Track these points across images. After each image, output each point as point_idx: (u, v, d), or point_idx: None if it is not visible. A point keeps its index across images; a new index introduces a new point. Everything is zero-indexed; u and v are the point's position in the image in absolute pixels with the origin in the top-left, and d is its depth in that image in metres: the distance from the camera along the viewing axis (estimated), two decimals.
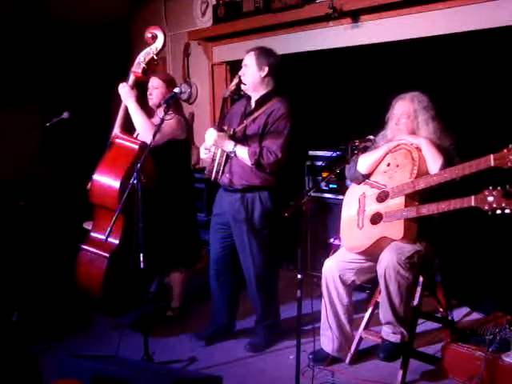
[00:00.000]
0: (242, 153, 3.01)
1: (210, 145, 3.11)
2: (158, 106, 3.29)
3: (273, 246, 3.24)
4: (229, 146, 3.03)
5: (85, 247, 3.38)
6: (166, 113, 3.00)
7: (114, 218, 2.92)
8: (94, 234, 3.42)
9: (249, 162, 3.02)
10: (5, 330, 2.89)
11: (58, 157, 5.08)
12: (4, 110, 5.09)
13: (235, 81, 3.07)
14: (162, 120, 3.01)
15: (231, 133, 3.08)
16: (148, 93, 3.54)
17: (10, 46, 5.13)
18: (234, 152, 3.02)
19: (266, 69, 3.07)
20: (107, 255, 3.29)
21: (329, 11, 3.73)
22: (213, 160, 3.11)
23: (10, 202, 4.07)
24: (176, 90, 3.11)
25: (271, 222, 3.12)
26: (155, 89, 3.51)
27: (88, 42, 5.45)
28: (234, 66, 4.74)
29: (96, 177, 3.33)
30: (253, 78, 3.07)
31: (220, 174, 3.12)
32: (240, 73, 3.09)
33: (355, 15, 3.81)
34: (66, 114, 3.71)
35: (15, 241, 4.14)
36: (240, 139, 3.08)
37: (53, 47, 5.32)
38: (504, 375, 2.62)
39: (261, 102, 3.11)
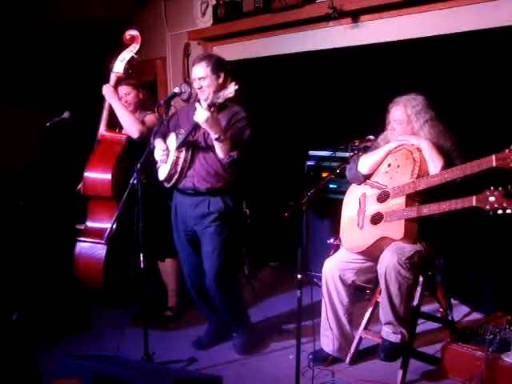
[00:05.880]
0: (226, 143, 2.92)
1: (164, 149, 3.10)
2: (135, 110, 3.62)
3: (233, 247, 3.20)
4: (219, 129, 2.89)
5: (82, 239, 3.44)
6: (166, 113, 3.01)
7: (113, 218, 2.94)
8: (90, 225, 3.48)
9: (223, 154, 2.93)
10: (5, 329, 2.89)
11: (58, 157, 5.08)
12: (4, 110, 5.09)
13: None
14: (162, 119, 3.05)
15: (193, 139, 3.04)
16: (123, 101, 3.60)
17: (10, 46, 5.12)
18: (221, 138, 2.88)
19: (222, 75, 3.04)
20: (105, 242, 3.31)
21: (329, 11, 3.73)
22: (176, 165, 3.04)
23: (10, 202, 4.07)
24: (176, 89, 3.14)
25: (232, 222, 3.11)
26: (128, 95, 3.63)
27: (88, 42, 5.45)
28: (234, 66, 4.73)
29: (88, 171, 3.47)
30: (213, 87, 3.01)
31: (182, 178, 3.07)
32: (196, 85, 3.03)
33: (355, 15, 3.82)
34: (66, 114, 3.75)
35: (15, 241, 4.14)
36: (201, 145, 3.04)
37: (53, 47, 5.31)
38: (504, 375, 2.62)
39: (219, 107, 3.01)
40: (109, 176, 3.39)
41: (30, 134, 4.73)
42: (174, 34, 5.38)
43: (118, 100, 3.51)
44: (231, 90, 2.80)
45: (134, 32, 3.58)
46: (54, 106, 4.13)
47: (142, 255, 2.96)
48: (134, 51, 3.55)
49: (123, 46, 3.66)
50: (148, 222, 3.03)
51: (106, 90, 3.52)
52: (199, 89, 3.03)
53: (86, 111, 4.51)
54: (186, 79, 5.26)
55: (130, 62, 3.55)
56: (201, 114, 2.84)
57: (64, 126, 3.74)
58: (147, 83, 3.75)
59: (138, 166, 2.92)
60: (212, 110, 2.85)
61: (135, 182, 2.92)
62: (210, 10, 4.85)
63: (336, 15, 3.74)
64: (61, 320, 3.57)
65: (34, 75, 5.26)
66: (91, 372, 2.35)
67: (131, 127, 3.42)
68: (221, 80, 3.03)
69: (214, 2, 4.77)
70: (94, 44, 5.48)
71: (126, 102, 3.61)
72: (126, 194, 2.99)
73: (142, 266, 2.97)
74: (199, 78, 3.01)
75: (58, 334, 3.43)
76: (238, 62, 4.58)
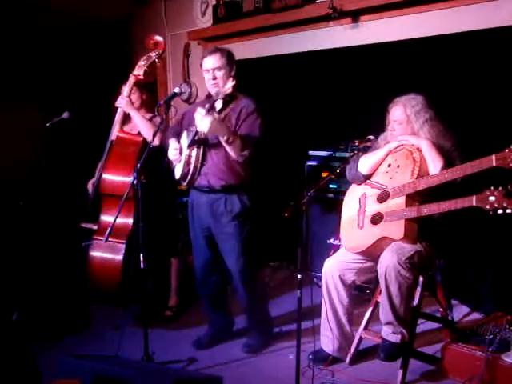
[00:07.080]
0: (236, 143, 2.89)
1: (178, 147, 3.07)
2: (139, 109, 3.59)
3: (254, 245, 3.20)
4: (226, 132, 2.86)
5: (98, 238, 3.40)
6: (166, 113, 3.01)
7: (114, 218, 2.94)
8: (105, 220, 3.44)
9: (235, 155, 2.92)
10: (5, 329, 2.89)
11: (58, 157, 5.08)
12: (4, 110, 5.09)
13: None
14: (163, 119, 3.05)
15: (204, 136, 3.01)
16: None
17: (10, 46, 5.13)
18: (231, 140, 2.85)
19: (235, 67, 3.04)
20: (124, 241, 3.32)
21: (329, 11, 3.73)
22: (188, 163, 3.03)
23: (10, 202, 4.08)
24: (176, 89, 3.13)
25: (250, 219, 3.11)
26: (132, 95, 3.61)
27: (88, 42, 5.45)
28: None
29: (107, 172, 3.47)
30: (227, 78, 2.98)
31: (196, 176, 3.06)
32: (210, 76, 3.00)
33: (355, 15, 3.82)
34: (66, 114, 3.74)
35: (15, 241, 4.14)
36: (212, 142, 3.01)
37: (53, 47, 5.32)
38: (504, 375, 2.62)
39: (228, 100, 3.03)
40: (130, 178, 3.32)
41: (30, 134, 4.74)
42: (174, 34, 5.38)
43: (136, 111, 3.53)
44: (229, 85, 2.80)
45: (158, 38, 3.62)
46: (53, 106, 4.14)
47: (141, 255, 2.96)
48: (157, 56, 3.57)
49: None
50: (154, 221, 3.02)
51: (123, 101, 3.51)
52: (213, 79, 2.98)
53: (86, 111, 4.53)
54: (186, 79, 5.26)
55: (151, 66, 3.58)
56: (203, 122, 2.80)
57: (64, 126, 3.74)
58: (147, 83, 3.74)
59: (138, 166, 2.92)
60: (211, 113, 2.82)
61: (135, 182, 2.91)
62: (209, 10, 4.86)
63: (336, 15, 3.74)
64: (61, 320, 3.57)
65: (34, 75, 5.27)
66: (91, 372, 2.35)
67: (151, 136, 3.34)
68: (233, 73, 3.00)
69: (214, 2, 4.77)
70: (94, 44, 5.48)
71: (130, 101, 3.60)
72: (125, 194, 2.98)
73: (142, 266, 2.97)
74: (213, 69, 2.98)
75: (58, 334, 3.42)
76: (238, 62, 4.55)
